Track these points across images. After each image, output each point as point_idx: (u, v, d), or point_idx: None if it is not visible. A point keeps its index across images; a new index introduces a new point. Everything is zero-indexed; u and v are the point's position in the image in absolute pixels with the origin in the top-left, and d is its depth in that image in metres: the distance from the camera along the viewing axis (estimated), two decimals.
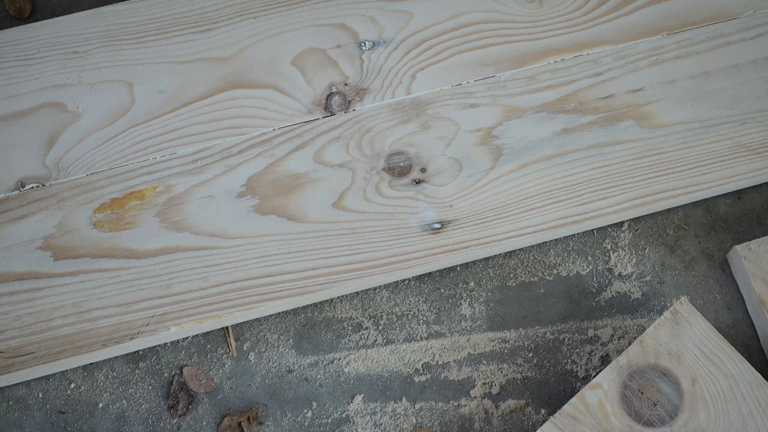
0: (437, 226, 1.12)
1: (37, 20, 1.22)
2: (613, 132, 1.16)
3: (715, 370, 1.04)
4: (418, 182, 1.14)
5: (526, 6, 1.20)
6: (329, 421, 1.09)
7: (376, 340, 1.12)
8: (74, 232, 1.11)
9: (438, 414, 1.09)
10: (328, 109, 1.16)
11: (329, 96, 1.17)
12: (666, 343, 1.05)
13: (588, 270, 1.15)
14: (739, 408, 1.03)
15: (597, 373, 1.05)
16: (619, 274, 1.14)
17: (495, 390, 1.10)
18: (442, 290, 1.14)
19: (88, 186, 1.13)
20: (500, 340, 1.12)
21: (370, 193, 1.13)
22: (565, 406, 1.02)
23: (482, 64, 1.18)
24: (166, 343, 1.12)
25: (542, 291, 1.14)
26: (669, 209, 1.17)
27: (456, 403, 1.10)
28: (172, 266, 1.10)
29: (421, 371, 1.11)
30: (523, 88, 1.17)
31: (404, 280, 1.14)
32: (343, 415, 1.09)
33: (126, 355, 1.11)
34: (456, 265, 1.15)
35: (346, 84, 1.17)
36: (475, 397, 1.10)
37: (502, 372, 1.11)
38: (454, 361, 1.11)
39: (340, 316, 1.13)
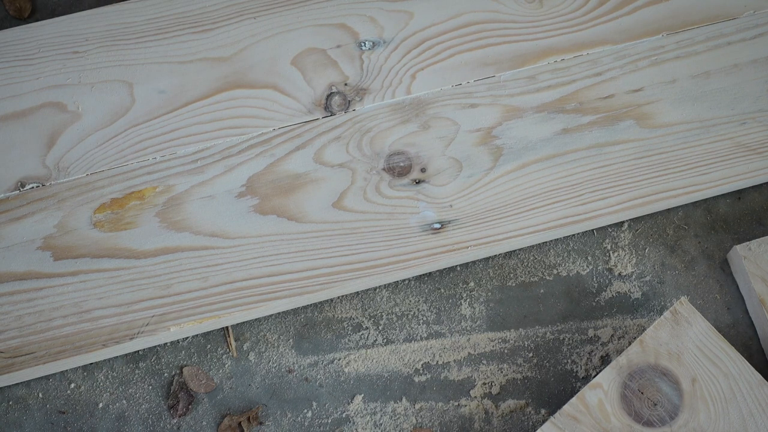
0: (437, 226, 1.12)
1: (37, 20, 1.22)
2: (613, 132, 1.16)
3: (715, 370, 1.04)
4: (418, 182, 1.14)
5: (526, 6, 1.20)
6: (329, 421, 1.09)
7: (376, 340, 1.12)
8: (74, 232, 1.11)
9: (438, 414, 1.09)
10: (328, 109, 1.16)
11: (329, 96, 1.17)
12: (666, 343, 1.05)
13: (588, 270, 1.15)
14: (739, 408, 1.03)
15: (597, 373, 1.05)
16: (619, 274, 1.14)
17: (495, 390, 1.10)
18: (442, 290, 1.14)
19: (88, 186, 1.13)
20: (500, 340, 1.12)
21: (370, 193, 1.13)
22: (565, 406, 1.02)
23: (482, 64, 1.18)
24: (166, 343, 1.12)
25: (542, 291, 1.14)
26: (669, 209, 1.17)
27: (456, 403, 1.10)
28: (172, 266, 1.10)
29: (421, 371, 1.11)
30: (523, 88, 1.17)
31: (404, 280, 1.14)
32: (343, 415, 1.09)
33: (126, 355, 1.11)
34: (456, 265, 1.15)
35: (346, 84, 1.17)
36: (475, 397, 1.10)
37: (502, 372, 1.11)
38: (454, 361, 1.11)
39: (340, 316, 1.13)
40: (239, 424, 1.09)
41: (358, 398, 1.10)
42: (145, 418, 1.09)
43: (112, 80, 1.16)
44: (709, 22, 1.20)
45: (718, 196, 1.17)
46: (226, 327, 1.12)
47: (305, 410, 1.10)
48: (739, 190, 1.18)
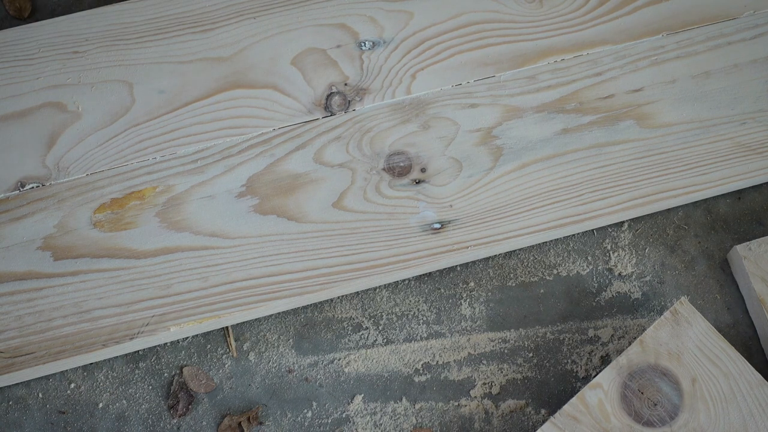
0: (437, 226, 1.12)
1: (37, 20, 1.22)
2: (613, 132, 1.16)
3: (715, 370, 1.04)
4: (418, 182, 1.14)
5: (526, 6, 1.20)
6: (329, 421, 1.09)
7: (376, 340, 1.12)
8: (74, 232, 1.11)
9: (438, 414, 1.09)
10: (328, 109, 1.16)
11: (329, 96, 1.17)
12: (666, 343, 1.05)
13: (588, 270, 1.15)
14: (739, 408, 1.03)
15: (597, 373, 1.05)
16: (619, 274, 1.14)
17: (495, 390, 1.10)
18: (442, 290, 1.14)
19: (88, 186, 1.13)
20: (500, 340, 1.12)
21: (370, 193, 1.13)
22: (565, 406, 1.02)
23: (482, 64, 1.18)
24: (166, 343, 1.12)
25: (542, 291, 1.14)
26: (669, 209, 1.17)
27: (456, 403, 1.10)
28: (172, 266, 1.10)
29: (421, 371, 1.11)
30: (523, 88, 1.17)
31: (404, 280, 1.14)
32: (343, 415, 1.09)
33: (126, 355, 1.11)
34: (456, 265, 1.15)
35: (346, 84, 1.17)
36: (475, 397, 1.10)
37: (502, 372, 1.11)
38: (454, 361, 1.11)
39: (340, 316, 1.13)
40: (239, 424, 1.09)
41: (358, 398, 1.10)
42: (145, 418, 1.09)
43: (112, 80, 1.16)
44: (709, 22, 1.20)
45: (718, 196, 1.17)
46: (226, 327, 1.12)
47: (305, 410, 1.10)
48: (739, 190, 1.18)
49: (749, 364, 1.04)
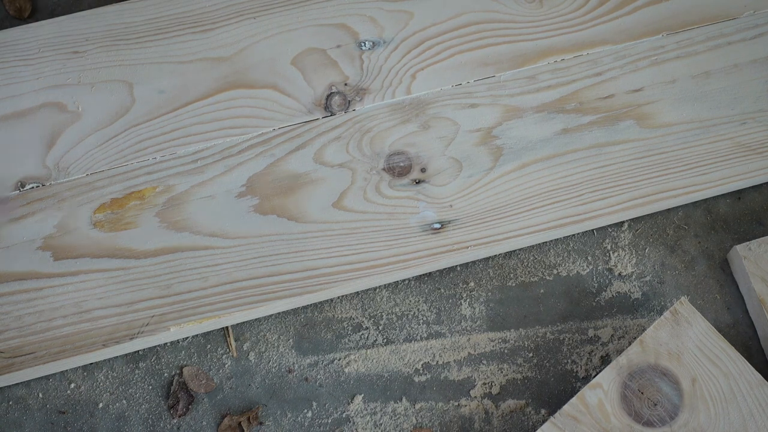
0: (437, 226, 1.12)
1: (37, 20, 1.22)
2: (613, 132, 1.16)
3: (715, 370, 1.04)
4: (418, 182, 1.14)
5: (526, 6, 1.20)
6: (329, 421, 1.09)
7: (376, 340, 1.12)
8: (74, 232, 1.11)
9: (438, 414, 1.09)
10: (328, 109, 1.16)
11: (329, 96, 1.17)
12: (666, 343, 1.05)
13: (588, 270, 1.15)
14: (739, 408, 1.03)
15: (597, 373, 1.05)
16: (619, 274, 1.14)
17: (495, 390, 1.10)
18: (442, 290, 1.14)
19: (88, 186, 1.13)
20: (500, 340, 1.12)
21: (370, 193, 1.13)
22: (565, 406, 1.02)
23: (482, 64, 1.18)
24: (166, 343, 1.12)
25: (542, 291, 1.14)
26: (669, 209, 1.17)
27: (456, 403, 1.10)
28: (172, 266, 1.10)
29: (421, 371, 1.11)
30: (523, 88, 1.17)
31: (404, 280, 1.14)
32: (343, 415, 1.09)
33: (126, 355, 1.11)
34: (456, 265, 1.15)
35: (346, 84, 1.17)
36: (475, 397, 1.10)
37: (502, 372, 1.11)
38: (454, 361, 1.11)
39: (340, 316, 1.13)
40: (239, 424, 1.09)
41: (358, 398, 1.10)
42: (145, 418, 1.09)
43: (112, 80, 1.16)
44: (709, 22, 1.20)
45: (718, 196, 1.17)
46: (226, 327, 1.12)
47: (305, 410, 1.10)
48: (739, 190, 1.18)
49: (749, 364, 1.04)
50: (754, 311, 1.12)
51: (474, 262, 1.15)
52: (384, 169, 1.14)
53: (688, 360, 1.04)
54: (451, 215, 1.12)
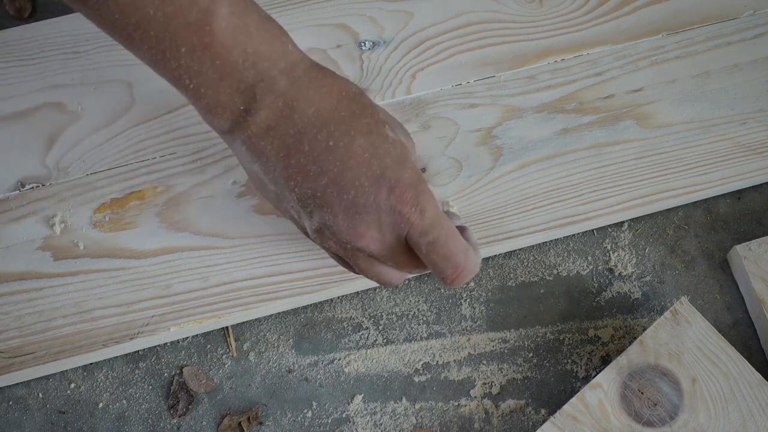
0: None
1: (37, 20, 1.22)
2: (613, 132, 1.16)
3: (715, 370, 1.04)
4: None
5: (526, 6, 1.21)
6: (329, 421, 1.09)
7: (376, 340, 1.12)
8: (74, 232, 1.11)
9: (438, 414, 1.09)
10: None
11: None
12: (666, 343, 1.05)
13: (588, 270, 1.15)
14: (739, 408, 1.03)
15: (597, 373, 1.05)
16: (620, 274, 1.14)
17: (495, 390, 1.10)
18: (442, 290, 1.14)
19: (88, 186, 1.13)
20: (500, 340, 1.12)
21: None
22: (565, 406, 1.02)
23: (482, 64, 1.18)
24: (166, 343, 1.12)
25: (542, 291, 1.14)
26: (669, 209, 1.17)
27: (456, 403, 1.10)
28: (172, 266, 1.10)
29: (421, 371, 1.11)
30: (523, 88, 1.17)
31: (404, 280, 1.14)
32: (343, 415, 1.09)
33: (126, 355, 1.11)
34: None
35: None
36: (475, 397, 1.10)
37: (502, 372, 1.11)
38: (454, 361, 1.11)
39: (340, 316, 1.13)
40: (239, 424, 1.09)
41: (358, 398, 1.10)
42: (145, 418, 1.09)
43: (112, 80, 1.16)
44: (709, 22, 1.20)
45: (718, 196, 1.17)
46: (226, 327, 1.12)
47: (305, 410, 1.10)
48: (739, 190, 1.18)
49: (749, 364, 1.04)
50: (754, 311, 1.12)
51: None
52: None
53: (688, 360, 1.04)
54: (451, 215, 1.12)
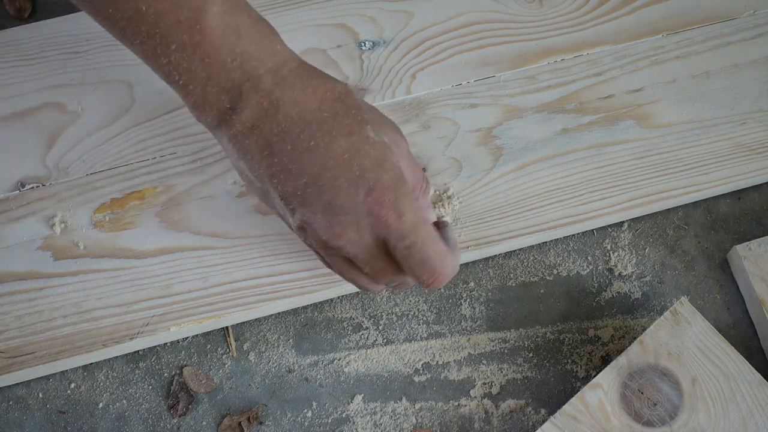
0: None
1: (37, 20, 1.22)
2: (613, 132, 1.16)
3: (715, 370, 1.04)
4: None
5: (526, 6, 1.21)
6: (329, 421, 1.09)
7: (376, 340, 1.12)
8: (74, 232, 1.11)
9: (438, 414, 1.09)
10: None
11: None
12: (666, 343, 1.05)
13: (588, 270, 1.15)
14: (739, 408, 1.03)
15: (597, 373, 1.05)
16: (620, 274, 1.14)
17: (495, 390, 1.10)
18: (442, 290, 1.14)
19: (88, 186, 1.13)
20: (500, 340, 1.12)
21: None
22: (565, 406, 1.02)
23: (482, 64, 1.18)
24: (166, 343, 1.12)
25: (542, 291, 1.14)
26: (669, 209, 1.17)
27: (456, 403, 1.10)
28: (172, 266, 1.10)
29: (421, 371, 1.11)
30: (523, 88, 1.18)
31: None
32: (343, 415, 1.09)
33: (126, 355, 1.11)
34: None
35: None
36: (475, 397, 1.10)
37: (502, 372, 1.11)
38: (454, 361, 1.11)
39: (340, 316, 1.13)
40: (239, 424, 1.09)
41: (358, 398, 1.10)
42: (145, 418, 1.09)
43: (112, 80, 1.16)
44: (709, 22, 1.20)
45: (718, 196, 1.17)
46: (226, 327, 1.12)
47: (305, 410, 1.10)
48: (738, 190, 1.18)
49: (749, 364, 1.04)
50: (754, 311, 1.12)
51: (474, 262, 1.15)
52: None
53: (688, 360, 1.04)
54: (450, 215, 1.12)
